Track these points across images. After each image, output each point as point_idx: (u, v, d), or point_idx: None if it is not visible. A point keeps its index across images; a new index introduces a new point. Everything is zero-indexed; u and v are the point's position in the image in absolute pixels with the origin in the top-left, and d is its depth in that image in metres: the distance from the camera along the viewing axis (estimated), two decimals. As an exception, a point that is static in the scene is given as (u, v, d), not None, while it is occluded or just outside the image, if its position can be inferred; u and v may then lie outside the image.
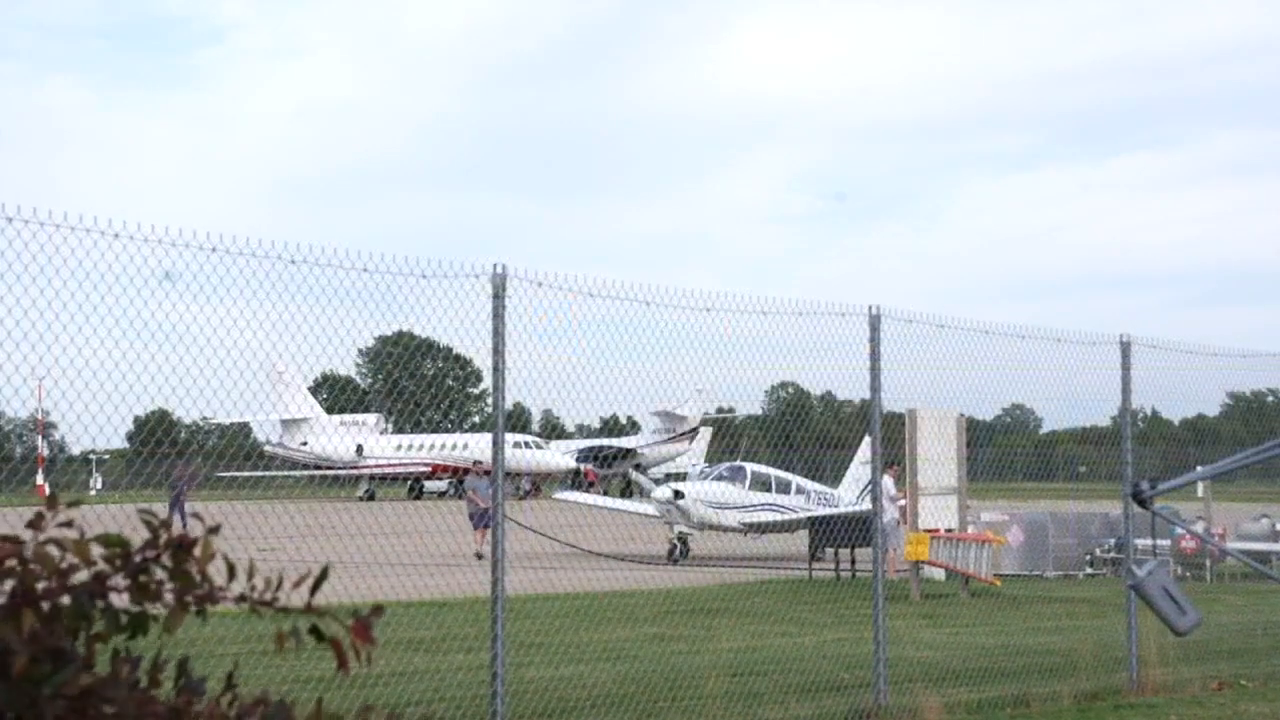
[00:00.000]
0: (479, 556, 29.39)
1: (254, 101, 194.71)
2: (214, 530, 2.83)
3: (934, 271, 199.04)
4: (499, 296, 10.70)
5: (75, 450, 15.39)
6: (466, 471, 64.06)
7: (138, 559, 2.68)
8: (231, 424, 20.58)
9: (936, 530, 22.73)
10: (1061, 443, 32.77)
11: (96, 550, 2.68)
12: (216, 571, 2.76)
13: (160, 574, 2.71)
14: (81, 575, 2.67)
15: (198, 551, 2.72)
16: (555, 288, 11.38)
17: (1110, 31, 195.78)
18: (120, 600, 2.71)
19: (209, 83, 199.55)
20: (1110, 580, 27.52)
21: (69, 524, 2.74)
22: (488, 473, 36.81)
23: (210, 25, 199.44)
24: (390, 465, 71.50)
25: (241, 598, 2.71)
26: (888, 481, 30.02)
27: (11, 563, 2.62)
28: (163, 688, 2.76)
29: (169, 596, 2.69)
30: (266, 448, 61.84)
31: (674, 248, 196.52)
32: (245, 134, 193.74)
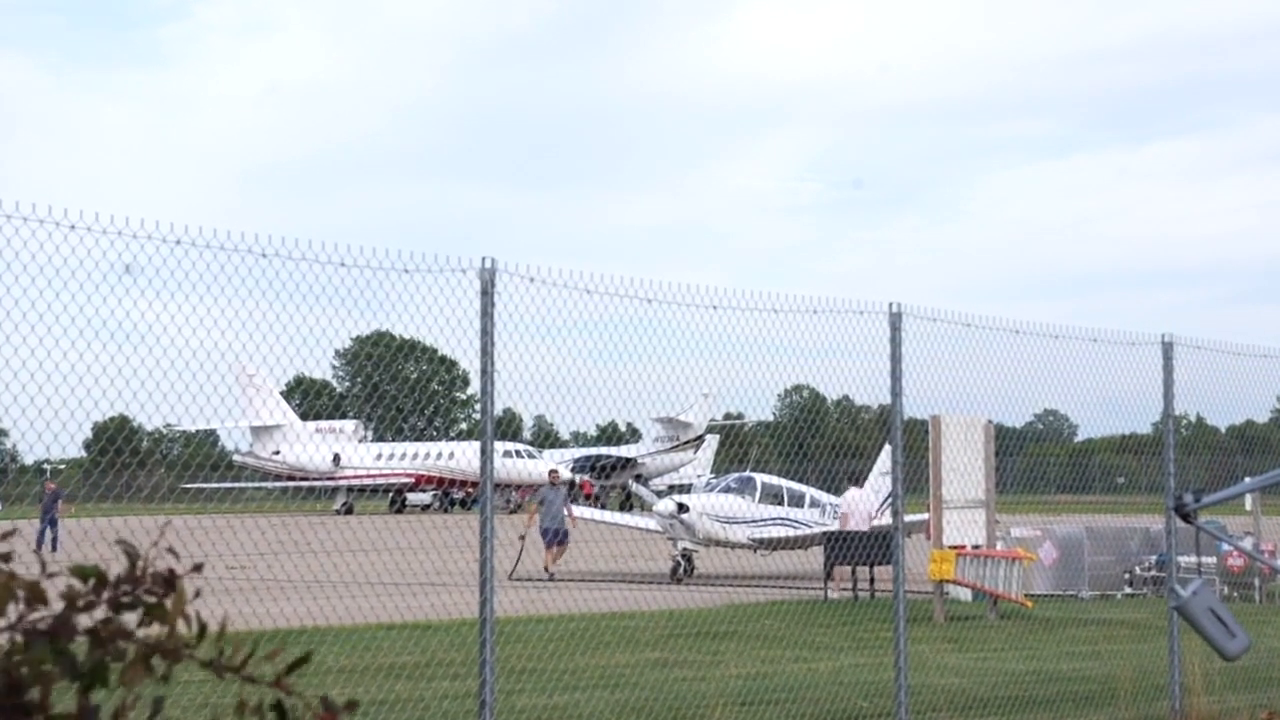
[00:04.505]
0: (550, 576, 29.47)
1: (220, 82, 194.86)
2: (197, 569, 2.81)
3: (958, 266, 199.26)
4: (488, 293, 10.70)
5: (28, 460, 15.41)
6: (452, 483, 64.33)
7: (120, 594, 2.66)
8: (198, 431, 20.60)
9: (963, 547, 22.71)
10: (1098, 452, 32.76)
11: (60, 584, 2.66)
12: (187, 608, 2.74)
13: (131, 616, 2.68)
14: (38, 612, 2.63)
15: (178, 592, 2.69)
16: (549, 284, 11.38)
17: (1147, 7, 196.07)
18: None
19: (172, 62, 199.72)
20: (1151, 601, 27.52)
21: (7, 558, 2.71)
22: (569, 485, 36.25)
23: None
24: (370, 476, 71.63)
25: (208, 663, 2.69)
26: (861, 497, 30.34)
27: None
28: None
29: (132, 648, 2.66)
30: (235, 457, 61.96)
31: (677, 241, 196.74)
32: (211, 117, 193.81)
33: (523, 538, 30.66)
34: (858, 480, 30.88)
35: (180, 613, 2.69)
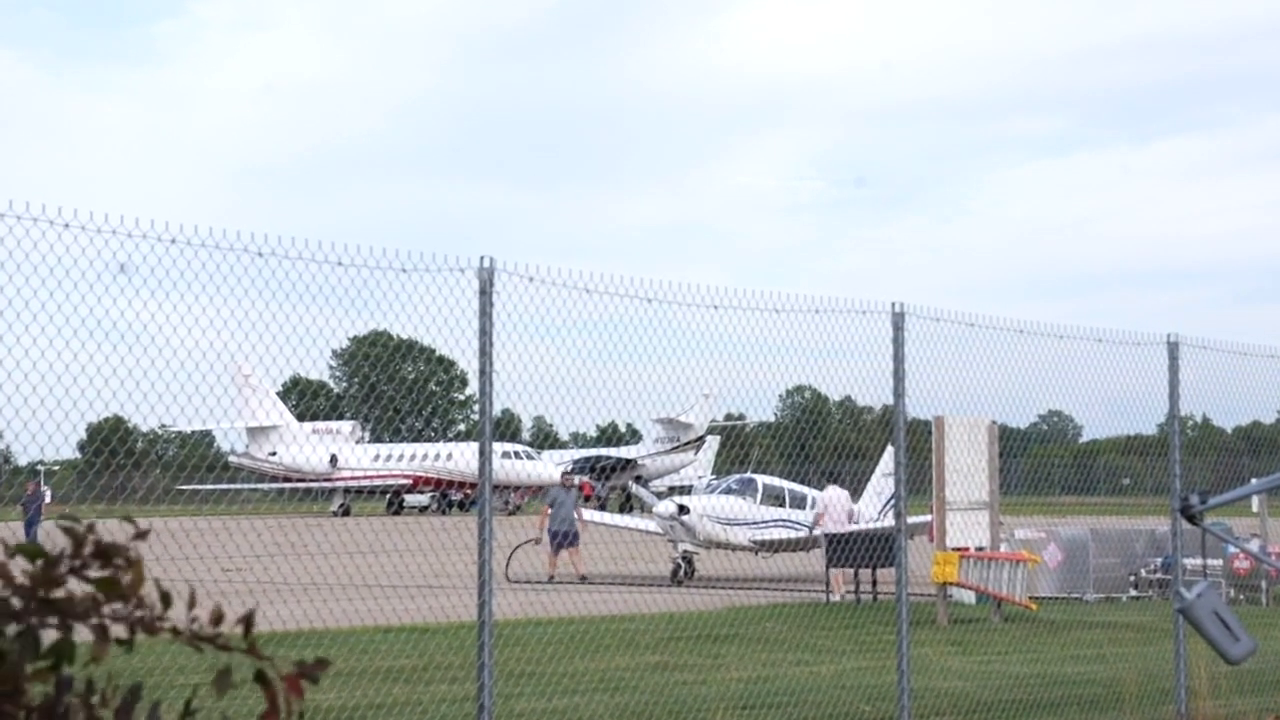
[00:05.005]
0: (582, 578, 29.50)
1: (216, 79, 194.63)
2: (141, 535, 2.79)
3: (961, 265, 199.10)
4: (486, 293, 10.70)
5: (21, 461, 15.41)
6: (450, 484, 64.34)
7: (62, 570, 2.65)
8: (193, 432, 20.64)
9: (966, 549, 22.72)
10: (1103, 453, 32.78)
11: (18, 567, 2.66)
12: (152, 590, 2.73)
13: (85, 589, 2.67)
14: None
15: (129, 562, 2.68)
16: (548, 283, 11.39)
17: (1151, 5, 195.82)
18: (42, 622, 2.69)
19: (167, 59, 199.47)
20: (1157, 603, 27.51)
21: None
22: (577, 486, 35.58)
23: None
24: (367, 477, 71.65)
25: (175, 630, 2.68)
26: (840, 496, 30.48)
27: None
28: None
29: (100, 620, 2.65)
30: (231, 458, 62.03)
31: (677, 240, 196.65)
32: (207, 114, 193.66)
33: (537, 540, 30.64)
34: (838, 480, 30.99)
35: (140, 579, 2.67)
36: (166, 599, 2.69)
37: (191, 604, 2.74)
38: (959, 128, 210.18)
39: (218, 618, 2.72)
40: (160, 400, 10.22)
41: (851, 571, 27.80)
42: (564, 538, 31.20)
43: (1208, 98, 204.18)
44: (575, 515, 31.66)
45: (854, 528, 29.31)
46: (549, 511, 31.96)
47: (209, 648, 2.71)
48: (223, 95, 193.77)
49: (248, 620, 2.72)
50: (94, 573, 2.67)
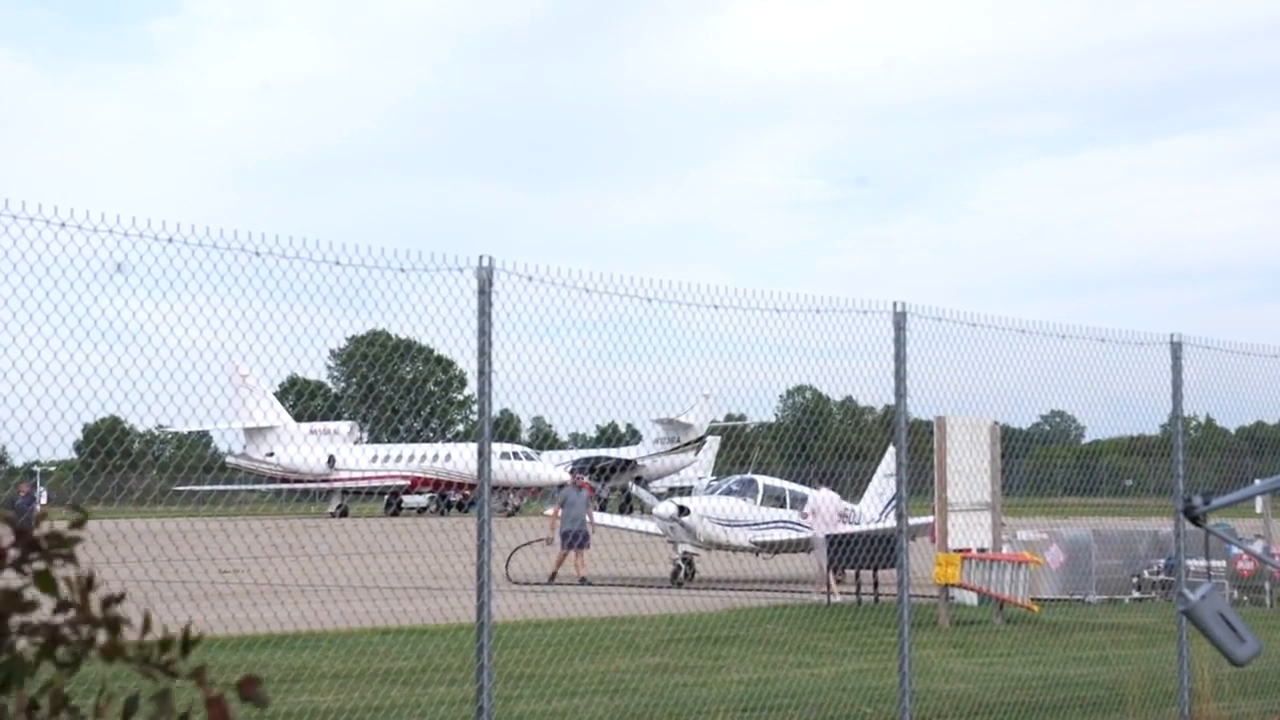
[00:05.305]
0: (583, 580, 29.49)
1: (214, 77, 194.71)
2: (79, 523, 2.72)
3: (963, 265, 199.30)
4: (485, 292, 10.70)
5: (17, 462, 15.40)
6: (448, 485, 64.37)
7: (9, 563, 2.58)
8: (190, 433, 20.59)
9: (968, 550, 22.72)
10: (1106, 453, 32.76)
11: None
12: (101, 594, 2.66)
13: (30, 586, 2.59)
14: None
15: (69, 557, 2.60)
16: (547, 282, 11.38)
17: (1153, 3, 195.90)
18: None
19: (164, 57, 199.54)
20: (1160, 605, 27.51)
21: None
22: (591, 487, 35.25)
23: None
24: (365, 478, 71.68)
25: (125, 655, 2.60)
26: (830, 497, 30.52)
27: None
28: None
29: (43, 626, 2.57)
30: (229, 459, 62.07)
31: (678, 239, 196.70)
32: (205, 113, 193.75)
33: (549, 540, 30.60)
34: (836, 481, 31.08)
35: (86, 586, 2.60)
36: (115, 624, 2.60)
37: (146, 627, 2.66)
38: (960, 126, 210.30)
39: (166, 643, 2.64)
40: (157, 400, 10.22)
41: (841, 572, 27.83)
42: (574, 538, 31.20)
43: (1209, 97, 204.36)
44: (586, 516, 31.67)
45: (848, 528, 29.34)
46: (559, 512, 31.94)
47: (159, 674, 2.63)
48: (220, 94, 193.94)
49: (185, 642, 2.65)
50: (32, 566, 2.59)
